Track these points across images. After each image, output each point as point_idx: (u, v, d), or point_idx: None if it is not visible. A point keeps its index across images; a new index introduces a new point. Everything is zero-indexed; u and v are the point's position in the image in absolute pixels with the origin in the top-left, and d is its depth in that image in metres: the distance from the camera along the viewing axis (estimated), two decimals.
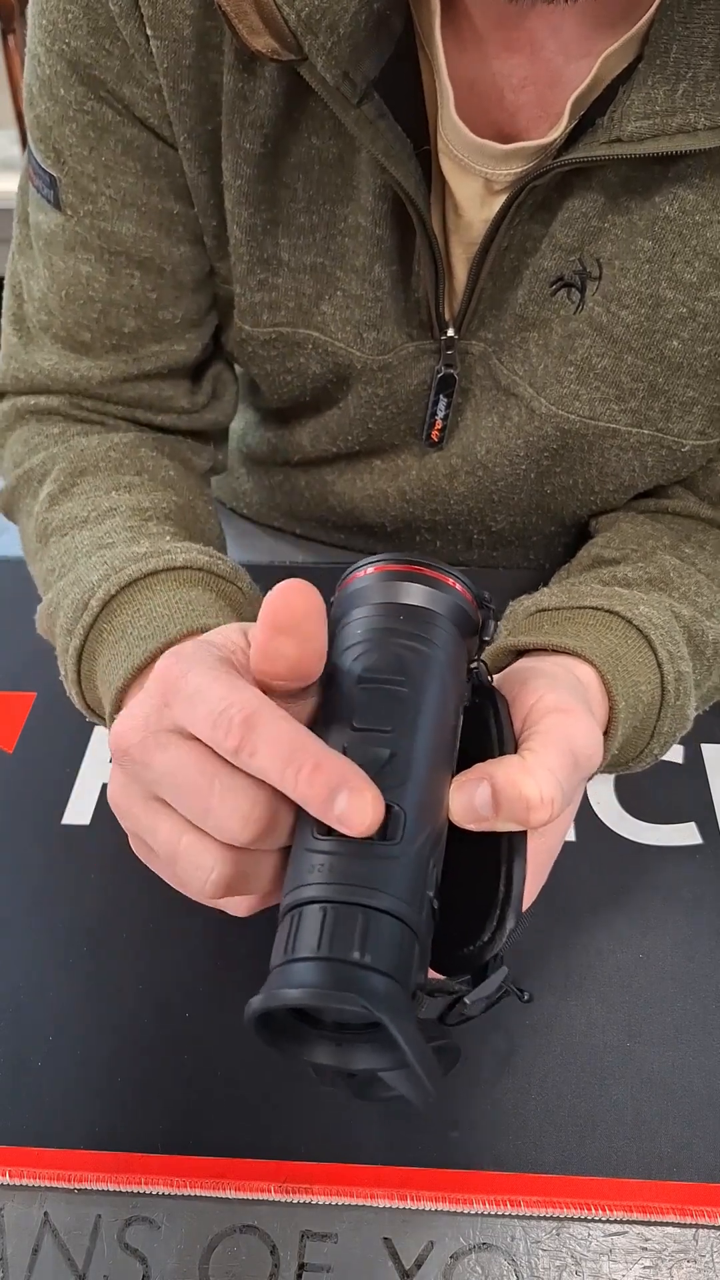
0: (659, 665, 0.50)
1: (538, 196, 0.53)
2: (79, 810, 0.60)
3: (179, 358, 0.63)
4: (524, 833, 0.37)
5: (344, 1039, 0.34)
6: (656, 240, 0.53)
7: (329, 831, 0.33)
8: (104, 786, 0.61)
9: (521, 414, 0.61)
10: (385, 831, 0.33)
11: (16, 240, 0.63)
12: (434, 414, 0.63)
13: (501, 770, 0.36)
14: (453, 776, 0.37)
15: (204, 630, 0.44)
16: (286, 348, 0.62)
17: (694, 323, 0.55)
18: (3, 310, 0.64)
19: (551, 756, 0.37)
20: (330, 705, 0.37)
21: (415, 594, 0.38)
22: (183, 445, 0.68)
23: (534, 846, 0.38)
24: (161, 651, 0.44)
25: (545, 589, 0.58)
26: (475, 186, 0.54)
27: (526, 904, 0.39)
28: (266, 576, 0.75)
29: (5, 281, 0.63)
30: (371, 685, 0.36)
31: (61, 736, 0.64)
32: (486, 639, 0.40)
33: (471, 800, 0.36)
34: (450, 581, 0.39)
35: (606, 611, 0.52)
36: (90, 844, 0.59)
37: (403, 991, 0.31)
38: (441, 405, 0.62)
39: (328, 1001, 0.31)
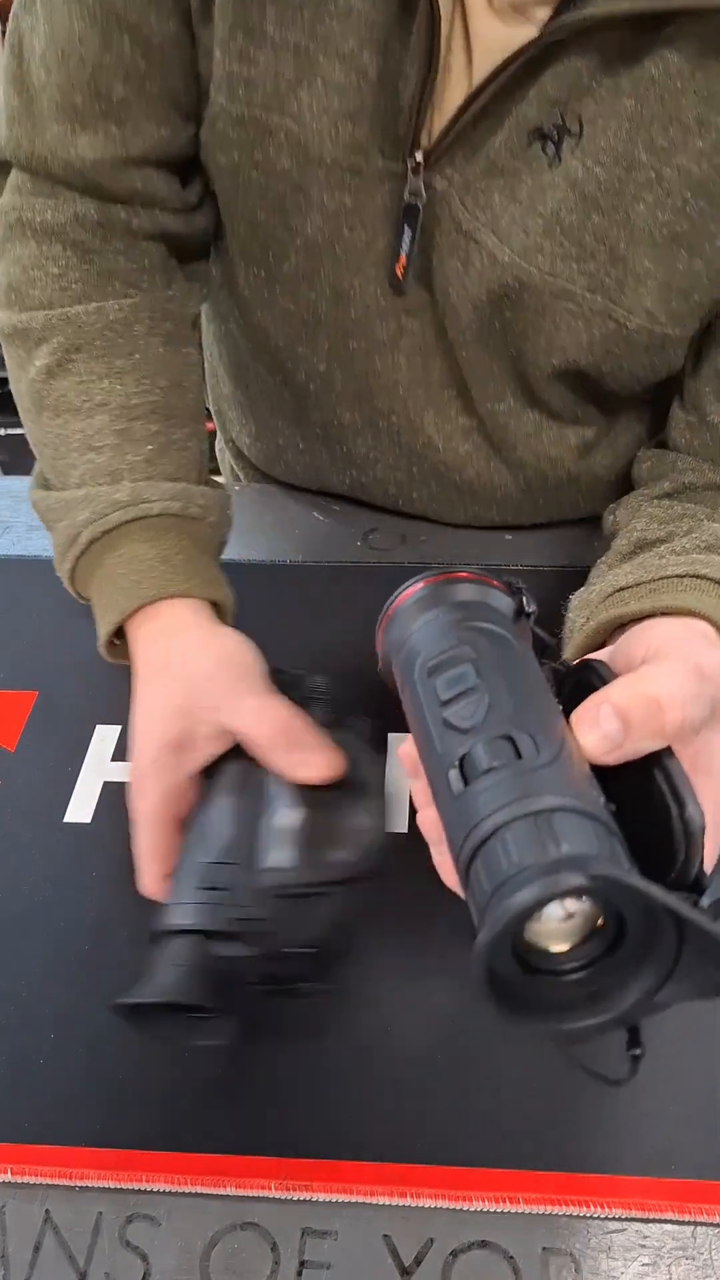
0: None
1: (549, 40, 0.52)
2: (80, 809, 0.60)
3: (164, 143, 0.62)
4: (669, 750, 0.37)
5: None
6: (639, 100, 0.53)
7: (468, 776, 0.34)
8: (105, 785, 0.62)
9: (484, 260, 0.60)
10: (518, 751, 0.34)
11: None
12: (399, 248, 0.61)
13: (616, 688, 0.37)
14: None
15: (168, 597, 0.55)
16: (257, 134, 0.59)
17: (659, 188, 0.55)
18: (2, 69, 0.63)
19: (667, 665, 0.38)
20: (418, 694, 0.39)
21: (461, 593, 0.43)
22: (173, 301, 0.67)
23: (700, 784, 0.37)
24: (137, 611, 0.55)
25: (600, 579, 0.58)
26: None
27: (711, 833, 0.37)
28: (267, 576, 0.75)
29: (5, 40, 0.62)
30: (444, 664, 0.39)
31: (63, 735, 0.64)
32: (529, 610, 0.43)
33: (599, 727, 0.36)
34: (468, 575, 0.44)
35: (694, 577, 0.53)
36: (92, 842, 0.59)
37: (618, 864, 0.31)
38: (406, 238, 0.60)
39: (555, 891, 0.29)
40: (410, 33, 0.54)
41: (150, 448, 0.61)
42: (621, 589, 0.56)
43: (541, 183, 0.56)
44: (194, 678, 0.52)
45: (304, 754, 0.47)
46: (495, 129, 0.56)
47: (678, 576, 0.54)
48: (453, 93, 0.57)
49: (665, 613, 0.51)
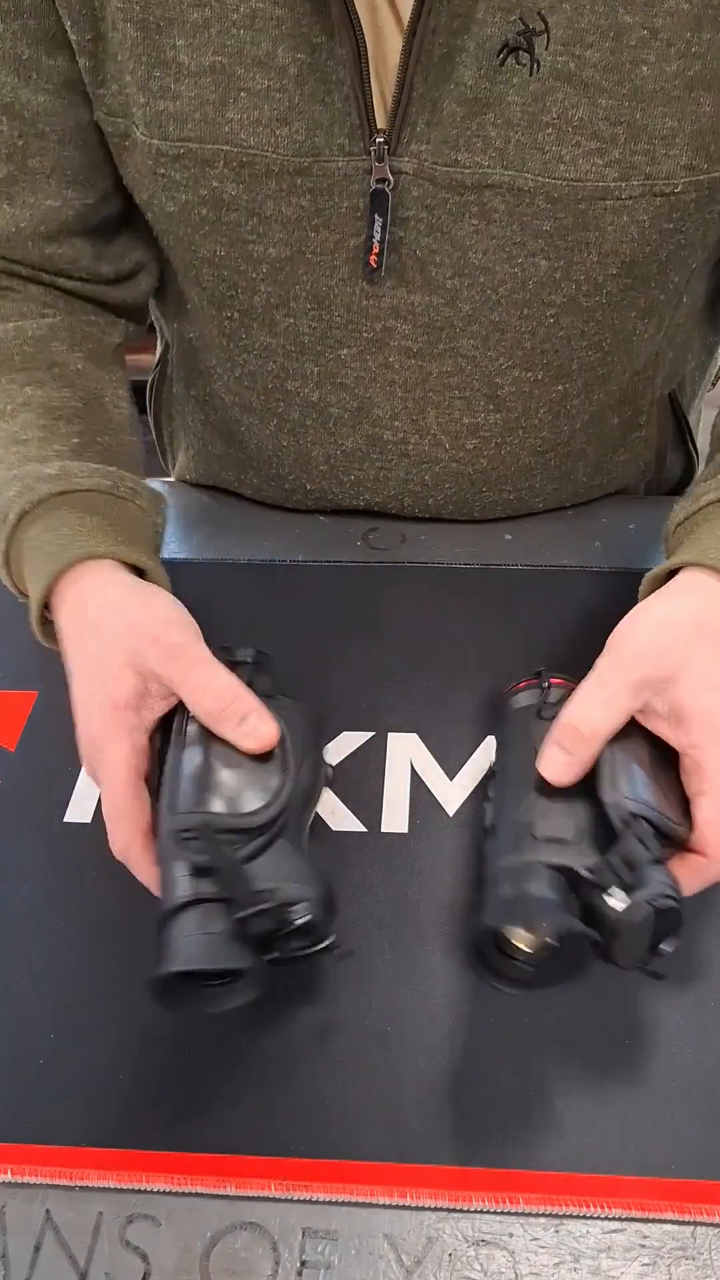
0: None
1: None
2: (81, 808, 0.61)
3: (57, 214, 0.63)
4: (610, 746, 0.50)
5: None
6: None
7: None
8: None
9: (506, 201, 0.57)
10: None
11: None
12: (371, 236, 0.60)
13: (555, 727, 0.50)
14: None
15: (96, 558, 0.55)
16: (197, 167, 0.58)
17: (657, 42, 0.52)
18: None
19: (591, 680, 0.50)
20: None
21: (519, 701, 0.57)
22: (94, 326, 0.68)
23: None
24: (63, 573, 0.55)
25: (688, 495, 0.61)
26: None
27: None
28: (268, 575, 0.75)
29: None
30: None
31: (63, 735, 0.64)
32: (549, 702, 0.54)
33: (547, 766, 0.49)
34: (528, 682, 0.57)
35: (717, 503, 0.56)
36: (92, 842, 0.59)
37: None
38: (377, 225, 0.59)
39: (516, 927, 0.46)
40: (327, 15, 0.52)
41: (76, 441, 0.61)
42: (678, 524, 0.59)
43: (532, 93, 0.54)
44: (137, 637, 0.52)
45: (247, 726, 0.50)
46: (448, 74, 0.54)
47: (712, 503, 0.57)
48: (391, 61, 0.54)
49: (691, 566, 0.54)
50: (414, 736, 0.63)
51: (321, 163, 0.57)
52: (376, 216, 0.59)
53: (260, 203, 0.59)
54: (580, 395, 0.70)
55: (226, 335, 0.69)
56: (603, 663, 0.50)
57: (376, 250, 0.60)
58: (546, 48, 0.52)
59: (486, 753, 0.62)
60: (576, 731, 0.49)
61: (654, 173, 0.56)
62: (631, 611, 0.53)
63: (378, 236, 0.59)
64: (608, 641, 0.51)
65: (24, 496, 0.57)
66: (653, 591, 0.55)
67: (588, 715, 0.49)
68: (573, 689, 0.51)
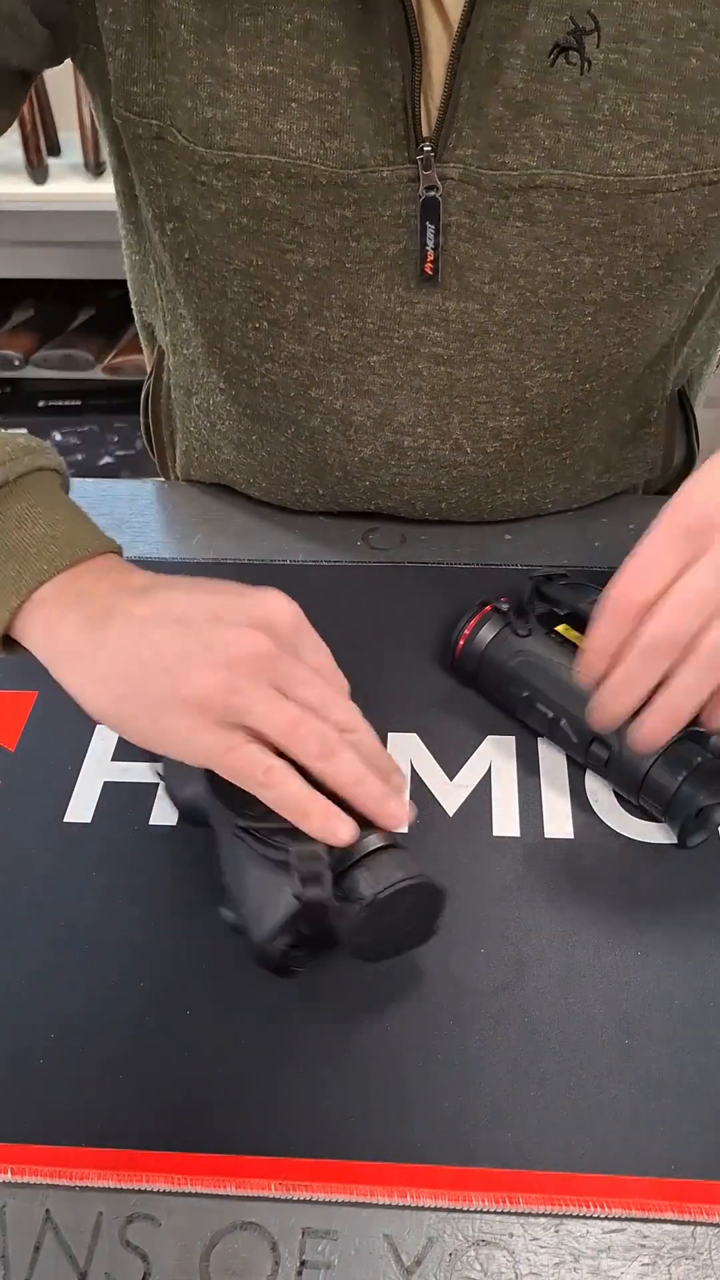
0: None
1: None
2: (81, 809, 0.60)
3: None
4: None
5: None
6: None
7: None
8: (105, 785, 0.62)
9: (554, 200, 0.57)
10: None
11: None
12: (424, 245, 0.59)
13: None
14: None
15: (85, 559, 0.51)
16: (242, 177, 0.58)
17: (705, 33, 0.53)
18: None
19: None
20: None
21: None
22: None
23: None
24: (39, 584, 0.49)
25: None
26: None
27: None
28: (267, 575, 0.75)
29: None
30: None
31: (63, 735, 0.64)
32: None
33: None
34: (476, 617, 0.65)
35: None
36: (92, 842, 0.59)
37: None
38: (430, 233, 0.59)
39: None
40: (380, 29, 0.52)
41: None
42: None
43: (583, 91, 0.54)
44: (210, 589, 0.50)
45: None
46: (495, 80, 0.54)
47: None
48: (437, 67, 0.54)
49: None
50: (414, 736, 0.63)
51: (367, 173, 0.57)
52: (428, 224, 0.58)
53: (303, 213, 0.59)
54: (603, 392, 0.70)
55: (249, 347, 0.68)
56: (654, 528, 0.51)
57: (431, 258, 0.60)
58: (598, 46, 0.53)
59: (487, 753, 0.62)
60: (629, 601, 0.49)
61: (702, 162, 0.56)
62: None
63: (430, 244, 0.59)
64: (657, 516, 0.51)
65: None
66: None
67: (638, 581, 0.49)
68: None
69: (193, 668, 0.45)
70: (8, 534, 0.50)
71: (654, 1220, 0.45)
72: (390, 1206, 0.45)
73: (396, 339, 0.65)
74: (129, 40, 0.56)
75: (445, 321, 0.64)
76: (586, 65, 0.53)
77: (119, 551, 0.54)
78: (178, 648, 0.46)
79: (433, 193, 0.57)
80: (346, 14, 0.53)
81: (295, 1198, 0.45)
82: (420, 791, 0.60)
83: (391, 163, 0.57)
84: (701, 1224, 0.44)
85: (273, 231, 0.60)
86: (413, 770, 0.61)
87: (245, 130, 0.56)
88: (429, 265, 0.60)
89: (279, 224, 0.60)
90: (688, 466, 0.88)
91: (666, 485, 0.87)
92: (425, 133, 0.56)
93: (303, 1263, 0.44)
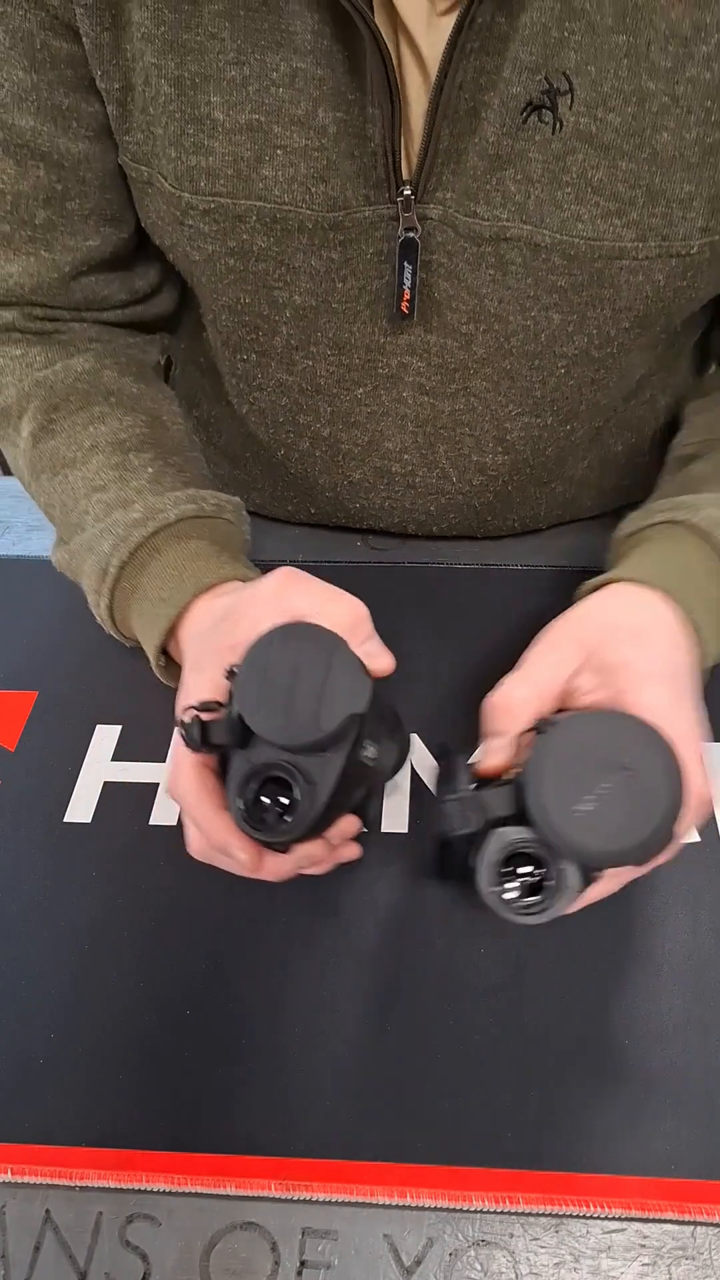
0: None
1: (487, 14, 0.51)
2: (81, 808, 0.61)
3: (95, 253, 0.63)
4: None
5: None
6: (630, 33, 0.51)
7: None
8: (105, 785, 0.62)
9: (523, 254, 0.58)
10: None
11: None
12: (400, 285, 0.60)
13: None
14: None
15: (209, 588, 0.55)
16: (228, 222, 0.59)
17: (677, 109, 0.53)
18: None
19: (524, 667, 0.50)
20: None
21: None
22: (134, 348, 0.69)
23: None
24: (179, 616, 0.55)
25: (643, 509, 0.62)
26: (420, 3, 0.52)
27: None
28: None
29: None
30: None
31: (63, 735, 0.64)
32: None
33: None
34: None
35: (670, 524, 0.58)
36: (92, 842, 0.59)
37: None
38: (408, 273, 0.60)
39: None
40: (364, 76, 0.53)
41: (150, 470, 0.62)
42: (625, 535, 0.61)
43: (553, 152, 0.55)
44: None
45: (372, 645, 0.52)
46: (473, 129, 0.54)
47: (661, 523, 0.58)
48: (416, 114, 0.55)
49: (629, 580, 0.55)
50: (414, 737, 0.63)
51: (351, 214, 0.58)
52: (406, 264, 0.59)
53: (290, 255, 0.60)
54: (585, 430, 0.71)
55: (238, 375, 0.70)
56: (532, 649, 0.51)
57: (408, 297, 0.61)
58: (570, 108, 0.53)
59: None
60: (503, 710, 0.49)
61: (671, 234, 0.57)
62: (562, 614, 0.53)
63: (408, 284, 0.60)
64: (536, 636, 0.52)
65: (119, 550, 0.58)
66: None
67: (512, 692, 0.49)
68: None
69: None
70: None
71: (654, 1220, 0.45)
72: (390, 1206, 0.45)
73: (381, 369, 0.66)
74: (118, 96, 0.58)
75: (427, 353, 0.64)
76: (559, 125, 0.54)
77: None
78: None
79: (411, 234, 0.58)
80: (333, 61, 0.53)
81: (295, 1198, 0.45)
82: (420, 791, 0.60)
83: (373, 203, 0.57)
84: (701, 1224, 0.44)
85: (260, 271, 0.61)
86: (413, 770, 0.61)
87: (230, 177, 0.57)
88: (405, 304, 0.61)
89: (266, 264, 0.61)
90: None
91: None
92: (405, 175, 0.57)
93: (303, 1263, 0.44)
